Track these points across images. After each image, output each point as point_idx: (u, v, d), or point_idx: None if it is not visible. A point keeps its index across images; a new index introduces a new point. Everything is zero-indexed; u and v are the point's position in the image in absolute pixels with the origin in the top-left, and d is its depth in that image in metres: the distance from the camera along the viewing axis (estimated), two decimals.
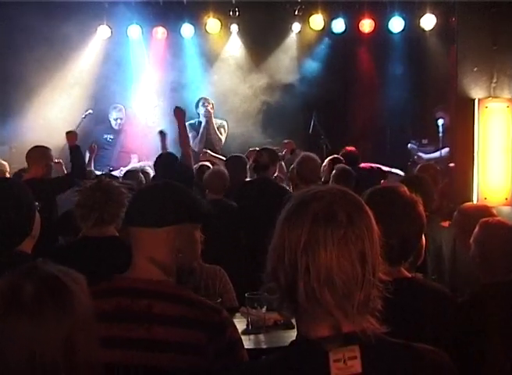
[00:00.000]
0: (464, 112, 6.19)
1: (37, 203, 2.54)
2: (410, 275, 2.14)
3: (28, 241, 2.48)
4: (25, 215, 2.45)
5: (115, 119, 8.21)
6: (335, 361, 1.28)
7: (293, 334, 3.04)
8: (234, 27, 8.72)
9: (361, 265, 1.30)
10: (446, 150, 7.40)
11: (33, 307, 1.35)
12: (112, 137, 8.22)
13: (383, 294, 1.34)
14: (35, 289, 1.37)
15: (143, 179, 6.18)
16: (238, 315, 3.47)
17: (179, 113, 5.98)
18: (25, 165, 5.70)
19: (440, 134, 7.49)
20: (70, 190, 4.79)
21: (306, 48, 8.97)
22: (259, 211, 4.82)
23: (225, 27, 8.65)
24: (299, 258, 1.30)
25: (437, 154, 7.51)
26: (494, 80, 6.14)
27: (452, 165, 6.71)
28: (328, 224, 1.31)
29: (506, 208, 6.10)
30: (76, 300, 1.39)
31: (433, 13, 8.14)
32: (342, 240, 1.30)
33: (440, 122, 7.54)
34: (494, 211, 3.86)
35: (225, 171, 5.44)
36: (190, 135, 6.95)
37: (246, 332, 3.28)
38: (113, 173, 7.25)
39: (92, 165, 7.71)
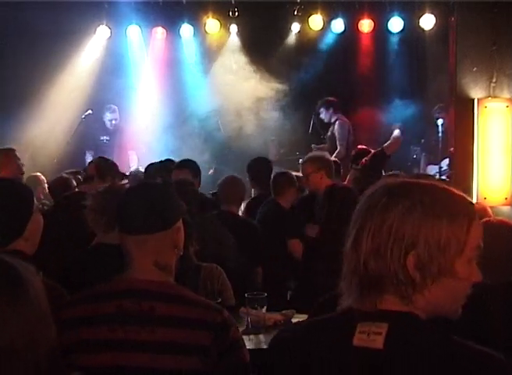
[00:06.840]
0: (463, 112, 6.20)
1: (41, 205, 2.42)
2: None
3: (21, 242, 2.30)
4: (17, 216, 2.30)
5: (110, 121, 8.29)
6: (360, 332, 1.34)
7: None
8: (233, 28, 8.71)
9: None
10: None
11: None
12: (107, 138, 8.29)
13: None
14: None
15: None
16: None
17: None
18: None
19: (440, 134, 7.48)
20: None
21: (305, 49, 8.96)
22: None
23: (225, 28, 8.64)
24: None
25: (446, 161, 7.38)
26: (493, 80, 6.14)
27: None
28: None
29: (506, 208, 6.11)
30: (32, 291, 1.32)
31: (432, 13, 8.12)
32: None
33: (440, 122, 7.53)
34: (490, 211, 3.85)
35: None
36: None
37: (246, 332, 3.28)
38: None
39: None
